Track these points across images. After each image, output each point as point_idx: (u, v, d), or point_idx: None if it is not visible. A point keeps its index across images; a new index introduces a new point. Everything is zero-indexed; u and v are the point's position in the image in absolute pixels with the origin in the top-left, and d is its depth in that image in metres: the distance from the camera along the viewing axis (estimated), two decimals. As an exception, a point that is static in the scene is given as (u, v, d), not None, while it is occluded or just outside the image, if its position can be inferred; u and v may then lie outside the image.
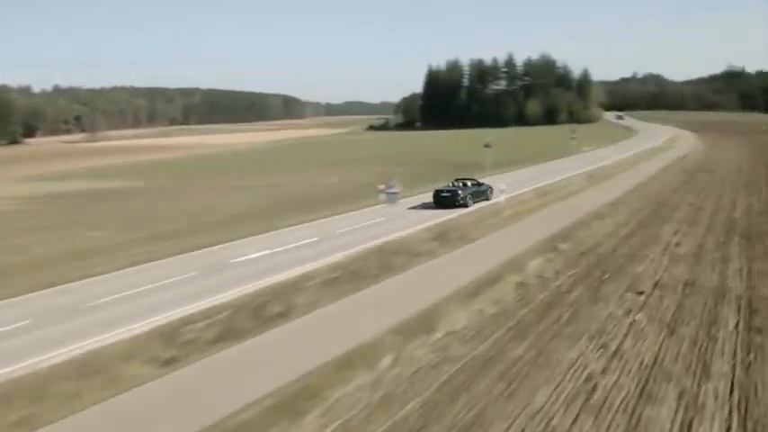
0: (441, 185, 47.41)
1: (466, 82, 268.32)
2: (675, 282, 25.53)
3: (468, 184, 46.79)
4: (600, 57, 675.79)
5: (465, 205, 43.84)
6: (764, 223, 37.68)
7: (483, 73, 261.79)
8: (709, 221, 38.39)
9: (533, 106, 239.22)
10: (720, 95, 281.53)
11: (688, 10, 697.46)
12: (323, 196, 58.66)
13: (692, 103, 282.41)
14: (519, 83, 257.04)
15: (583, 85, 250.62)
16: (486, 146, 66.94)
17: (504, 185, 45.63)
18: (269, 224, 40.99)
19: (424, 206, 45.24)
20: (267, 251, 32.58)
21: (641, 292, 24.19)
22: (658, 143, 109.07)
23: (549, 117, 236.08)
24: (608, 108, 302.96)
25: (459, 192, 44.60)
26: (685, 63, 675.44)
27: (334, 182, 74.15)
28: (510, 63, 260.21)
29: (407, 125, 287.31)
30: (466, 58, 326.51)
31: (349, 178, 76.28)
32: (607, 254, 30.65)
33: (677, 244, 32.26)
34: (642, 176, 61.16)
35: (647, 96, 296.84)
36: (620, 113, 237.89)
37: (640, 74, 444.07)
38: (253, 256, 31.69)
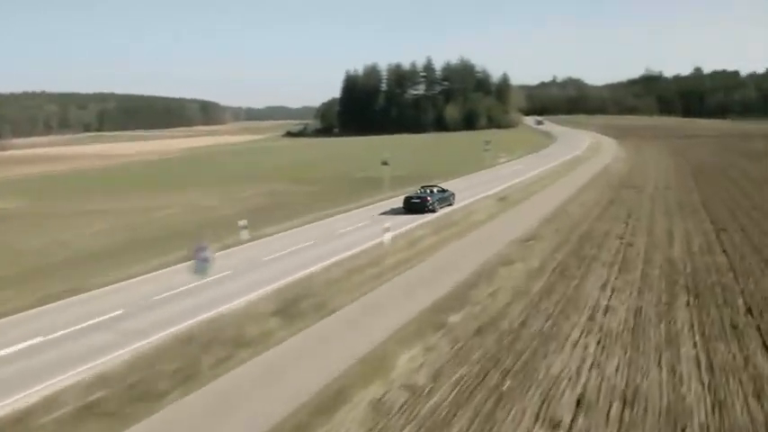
0: (410, 192, 50.44)
1: (384, 87, 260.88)
2: (608, 395, 16.79)
3: (435, 190, 49.50)
4: (520, 61, 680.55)
5: (433, 210, 46.51)
6: (712, 267, 29.68)
7: (401, 78, 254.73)
8: (644, 266, 30.04)
9: (452, 111, 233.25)
10: (639, 99, 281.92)
11: (607, 15, 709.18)
12: (185, 228, 48.70)
13: (611, 107, 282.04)
14: (438, 87, 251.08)
15: (502, 90, 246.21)
16: (384, 164, 58.00)
17: (389, 223, 36.46)
18: (85, 280, 30.81)
19: (295, 248, 35.90)
20: (38, 339, 22.48)
21: (557, 426, 15.37)
22: (579, 152, 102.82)
23: (469, 122, 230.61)
24: (528, 112, 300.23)
25: (428, 198, 47.28)
26: (604, 68, 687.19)
27: (214, 205, 64.09)
28: (429, 67, 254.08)
29: (325, 131, 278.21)
30: (390, 61, 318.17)
31: (232, 201, 66.33)
32: (512, 331, 21.66)
33: (606, 310, 23.62)
34: (562, 196, 53.20)
35: (567, 100, 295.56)
36: (539, 118, 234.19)
37: (560, 78, 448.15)
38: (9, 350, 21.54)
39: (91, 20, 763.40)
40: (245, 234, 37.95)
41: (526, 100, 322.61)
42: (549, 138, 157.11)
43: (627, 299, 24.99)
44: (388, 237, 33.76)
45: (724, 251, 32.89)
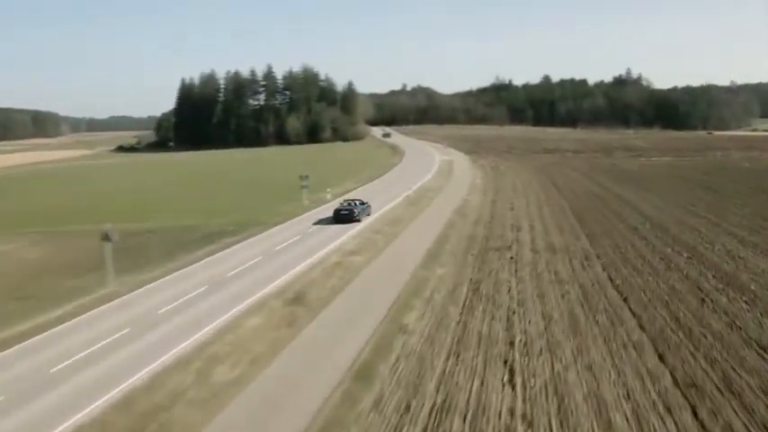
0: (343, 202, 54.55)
1: (222, 97, 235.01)
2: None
3: (358, 203, 53.81)
4: (369, 69, 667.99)
5: (359, 220, 50.89)
6: None
7: (240, 87, 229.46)
8: None
9: (294, 123, 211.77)
10: (490, 108, 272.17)
11: (458, 26, 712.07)
12: None
13: (462, 116, 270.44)
14: (280, 97, 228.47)
15: (347, 99, 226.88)
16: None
17: None
18: None
19: None
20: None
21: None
22: (428, 176, 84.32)
23: (313, 134, 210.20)
24: (377, 122, 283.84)
25: (355, 210, 51.84)
26: (456, 77, 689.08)
27: None
28: (269, 76, 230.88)
29: (160, 145, 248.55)
30: (237, 68, 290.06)
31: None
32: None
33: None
34: (393, 290, 31.74)
35: (417, 110, 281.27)
36: (387, 130, 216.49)
37: (410, 86, 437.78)
38: None
39: None
40: None
41: (375, 109, 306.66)
42: (394, 154, 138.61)
43: None
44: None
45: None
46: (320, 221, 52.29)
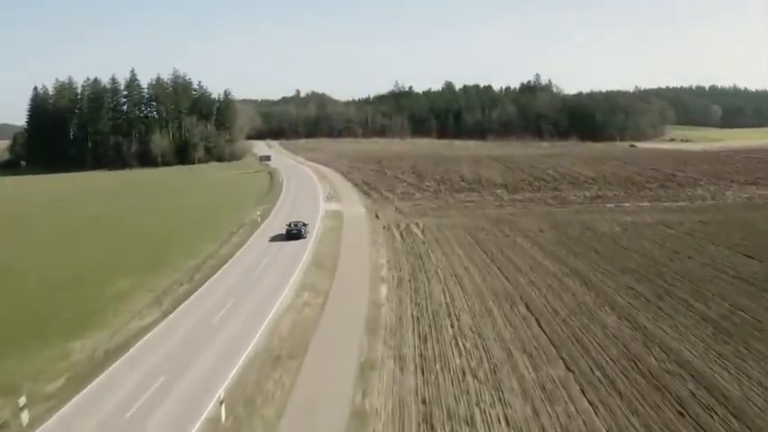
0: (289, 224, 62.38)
1: (80, 109, 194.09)
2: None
3: (302, 223, 62.77)
4: (257, 74, 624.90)
5: (305, 237, 60.18)
6: None
7: (98, 97, 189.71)
8: None
9: (161, 141, 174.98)
10: (390, 119, 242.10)
11: (357, 29, 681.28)
12: None
13: (358, 127, 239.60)
14: (145, 110, 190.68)
15: (225, 111, 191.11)
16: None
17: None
18: None
19: None
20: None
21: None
22: (305, 252, 53.00)
23: (183, 154, 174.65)
24: (263, 135, 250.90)
25: (302, 229, 61.26)
26: (353, 83, 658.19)
27: None
28: (133, 84, 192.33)
29: (11, 166, 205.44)
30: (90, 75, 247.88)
31: None
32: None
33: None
34: None
35: (308, 121, 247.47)
36: (268, 150, 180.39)
37: (304, 92, 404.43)
38: None
39: None
40: None
41: (262, 119, 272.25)
42: (269, 192, 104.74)
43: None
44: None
45: None
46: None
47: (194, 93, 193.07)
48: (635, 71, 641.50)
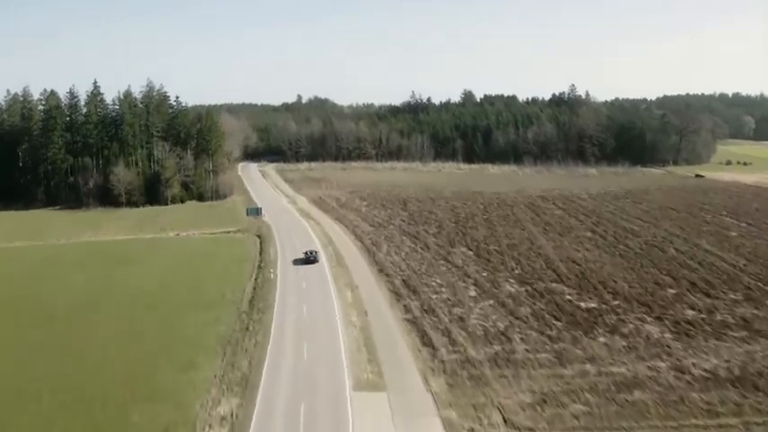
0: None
1: (32, 128, 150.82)
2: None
3: (314, 251, 77.56)
4: (256, 77, 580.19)
5: (318, 261, 74.85)
6: None
7: (52, 115, 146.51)
8: None
9: (126, 173, 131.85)
10: (407, 139, 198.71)
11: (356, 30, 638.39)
12: None
13: (370, 147, 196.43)
14: (109, 131, 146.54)
15: (207, 134, 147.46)
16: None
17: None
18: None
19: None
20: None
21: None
22: None
23: (153, 190, 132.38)
24: (258, 154, 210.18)
25: (316, 254, 76.00)
26: (357, 88, 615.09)
27: None
28: (95, 98, 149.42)
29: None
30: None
31: None
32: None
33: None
34: None
35: (313, 138, 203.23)
36: (257, 206, 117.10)
37: (306, 98, 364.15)
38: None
39: None
40: None
41: (259, 136, 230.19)
42: (252, 302, 61.73)
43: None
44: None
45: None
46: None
47: (171, 110, 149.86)
48: (652, 79, 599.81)
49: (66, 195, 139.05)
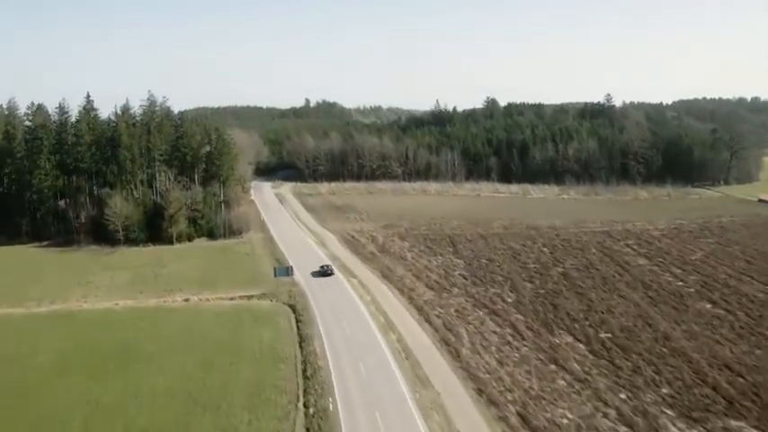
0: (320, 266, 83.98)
1: (16, 149, 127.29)
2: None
3: (328, 265, 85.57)
4: (266, 80, 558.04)
5: (333, 274, 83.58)
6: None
7: (38, 137, 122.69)
8: None
9: (123, 205, 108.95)
10: (436, 155, 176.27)
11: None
12: None
13: (396, 165, 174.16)
14: (104, 154, 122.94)
15: (218, 157, 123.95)
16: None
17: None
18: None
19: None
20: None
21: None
22: None
23: (156, 227, 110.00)
24: (269, 169, 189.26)
25: (331, 268, 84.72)
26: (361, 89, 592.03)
27: None
28: (87, 116, 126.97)
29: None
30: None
31: None
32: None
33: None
34: None
35: (332, 155, 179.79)
36: (288, 265, 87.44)
37: (314, 101, 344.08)
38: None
39: None
40: None
41: (270, 147, 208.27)
42: None
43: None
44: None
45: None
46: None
47: (175, 129, 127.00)
48: (668, 82, 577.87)
49: (56, 228, 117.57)
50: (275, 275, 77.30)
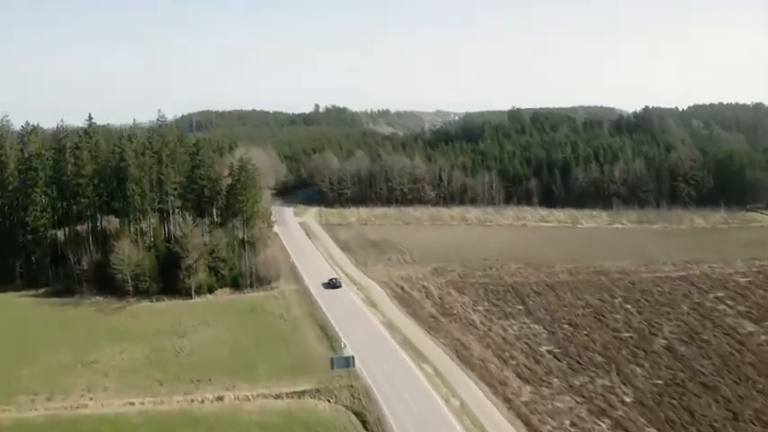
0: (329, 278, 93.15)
1: (7, 179, 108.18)
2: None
3: (336, 278, 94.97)
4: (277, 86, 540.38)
5: (341, 286, 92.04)
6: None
7: (31, 166, 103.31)
8: None
9: (130, 255, 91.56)
10: (472, 177, 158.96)
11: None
12: None
13: (430, 188, 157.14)
14: (113, 184, 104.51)
15: (240, 192, 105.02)
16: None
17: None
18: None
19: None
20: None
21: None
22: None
23: (170, 277, 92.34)
24: (287, 188, 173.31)
25: (339, 280, 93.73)
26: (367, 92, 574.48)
27: None
28: (88, 139, 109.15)
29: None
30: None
31: None
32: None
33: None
34: None
35: (359, 176, 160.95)
36: (348, 355, 66.73)
37: (323, 106, 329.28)
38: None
39: None
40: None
41: (287, 165, 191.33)
42: None
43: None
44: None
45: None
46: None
47: (191, 157, 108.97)
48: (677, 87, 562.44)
49: (54, 273, 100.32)
50: (332, 368, 60.18)
